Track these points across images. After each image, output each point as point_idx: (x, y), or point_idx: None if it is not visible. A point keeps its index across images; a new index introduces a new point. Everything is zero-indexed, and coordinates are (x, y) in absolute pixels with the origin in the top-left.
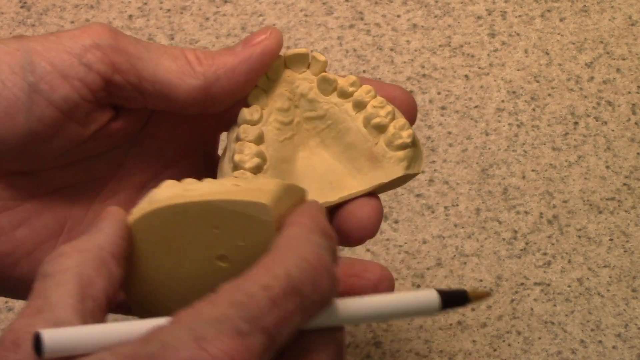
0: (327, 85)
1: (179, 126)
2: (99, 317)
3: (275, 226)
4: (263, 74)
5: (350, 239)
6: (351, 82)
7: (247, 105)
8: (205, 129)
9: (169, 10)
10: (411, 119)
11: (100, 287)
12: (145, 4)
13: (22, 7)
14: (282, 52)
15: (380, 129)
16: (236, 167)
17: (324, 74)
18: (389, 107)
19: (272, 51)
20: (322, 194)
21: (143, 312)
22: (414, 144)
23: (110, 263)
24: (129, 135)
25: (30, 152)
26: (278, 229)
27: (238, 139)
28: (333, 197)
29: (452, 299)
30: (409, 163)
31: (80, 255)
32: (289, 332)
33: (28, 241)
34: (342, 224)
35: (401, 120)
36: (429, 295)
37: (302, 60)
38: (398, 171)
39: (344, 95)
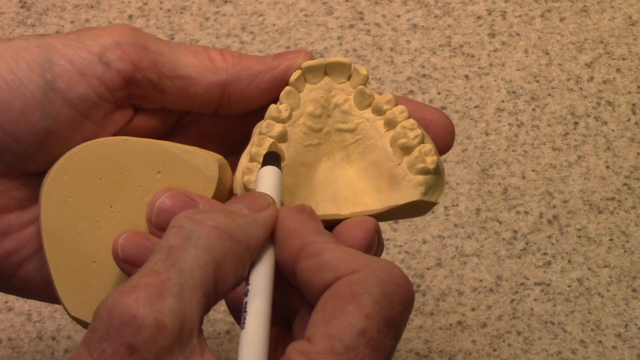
0: (363, 99)
1: (210, 129)
2: (206, 312)
3: (215, 185)
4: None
5: None
6: (387, 100)
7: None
8: (238, 130)
9: (169, 10)
10: (446, 144)
11: (226, 287)
12: (145, 4)
13: (22, 7)
14: (323, 55)
15: (406, 150)
16: (252, 159)
17: (361, 87)
18: (419, 131)
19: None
20: (336, 205)
21: (54, 247)
22: (436, 171)
23: (246, 266)
24: (151, 136)
25: (44, 153)
26: (217, 192)
27: (260, 133)
28: (345, 211)
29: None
30: (426, 189)
31: (229, 242)
32: None
33: (35, 241)
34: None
35: (428, 145)
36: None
37: (343, 70)
38: (414, 195)
39: (378, 112)
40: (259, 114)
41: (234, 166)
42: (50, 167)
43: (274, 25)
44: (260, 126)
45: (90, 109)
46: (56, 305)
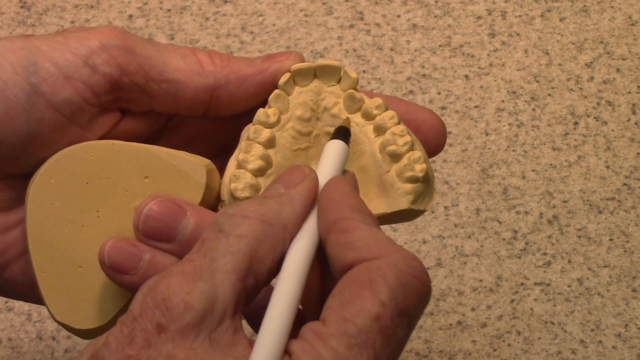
0: (352, 103)
1: (198, 131)
2: (249, 298)
3: (203, 191)
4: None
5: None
6: (377, 105)
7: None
8: (227, 132)
9: (169, 10)
10: (438, 145)
11: (266, 269)
12: (145, 4)
13: (22, 7)
14: (313, 61)
15: (395, 157)
16: (239, 165)
17: (351, 91)
18: (408, 138)
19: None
20: None
21: (39, 250)
22: (425, 179)
23: (285, 245)
24: (138, 139)
25: (30, 155)
26: (204, 198)
27: (248, 138)
28: None
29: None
30: (415, 198)
31: (262, 226)
32: (401, 352)
33: (20, 243)
34: None
35: (417, 152)
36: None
37: (333, 73)
38: (402, 204)
39: (368, 116)
40: (248, 115)
41: (223, 167)
42: (36, 170)
43: (274, 25)
44: (249, 131)
45: (75, 113)
46: None
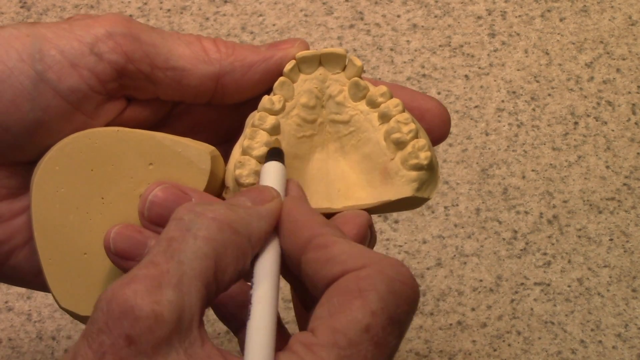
0: (357, 91)
1: (203, 118)
2: (208, 305)
3: (207, 178)
4: (278, 78)
5: None
6: (381, 93)
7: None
8: (232, 119)
9: (169, 10)
10: (442, 133)
11: (227, 277)
12: (145, 4)
13: (22, 7)
14: (319, 49)
15: (399, 145)
16: (244, 152)
17: (356, 78)
18: (413, 125)
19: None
20: (328, 199)
21: (45, 239)
22: (430, 167)
23: (247, 257)
24: (143, 126)
25: (35, 143)
26: (209, 184)
27: (253, 125)
28: (337, 205)
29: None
30: (419, 185)
31: (229, 233)
32: None
33: (25, 231)
34: None
35: (422, 140)
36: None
37: (338, 61)
38: (406, 191)
39: (372, 104)
40: (253, 102)
41: (227, 154)
42: (41, 157)
43: (274, 25)
44: (254, 118)
45: (81, 101)
46: (56, 306)
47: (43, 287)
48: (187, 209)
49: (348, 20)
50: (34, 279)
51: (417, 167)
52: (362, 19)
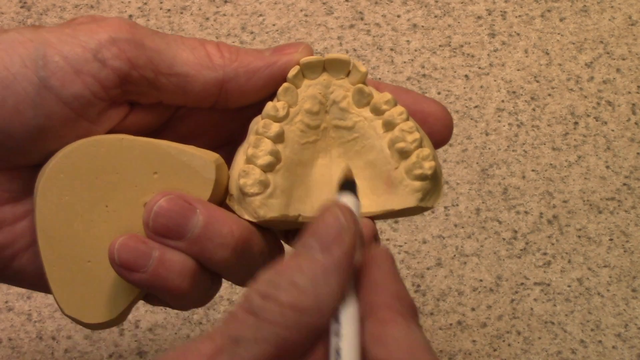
0: (361, 98)
1: (205, 121)
2: None
3: (212, 187)
4: (282, 83)
5: None
6: (386, 100)
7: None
8: (234, 122)
9: (169, 10)
10: (444, 137)
11: (296, 355)
12: (145, 4)
13: (22, 7)
14: (323, 54)
15: (403, 154)
16: (248, 160)
17: (360, 85)
18: (417, 134)
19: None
20: None
21: (48, 240)
22: (434, 177)
23: (319, 328)
24: (146, 131)
25: (38, 148)
26: (213, 193)
27: (257, 133)
28: None
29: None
30: (423, 195)
31: (295, 315)
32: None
33: (28, 235)
34: None
35: (426, 150)
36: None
37: (342, 67)
38: (410, 201)
39: (377, 111)
40: (256, 106)
41: (229, 157)
42: (44, 161)
43: (274, 25)
44: (257, 125)
45: (84, 107)
46: (56, 306)
47: (48, 289)
48: (256, 292)
49: (348, 20)
50: (38, 282)
51: (422, 177)
52: (362, 19)
